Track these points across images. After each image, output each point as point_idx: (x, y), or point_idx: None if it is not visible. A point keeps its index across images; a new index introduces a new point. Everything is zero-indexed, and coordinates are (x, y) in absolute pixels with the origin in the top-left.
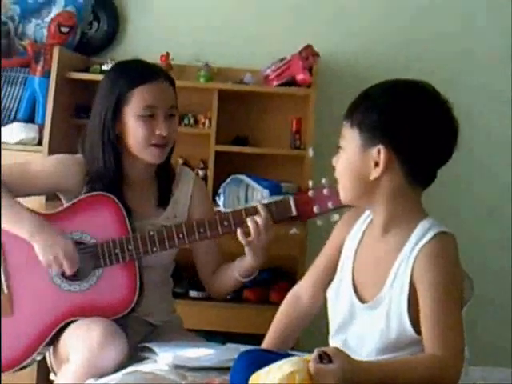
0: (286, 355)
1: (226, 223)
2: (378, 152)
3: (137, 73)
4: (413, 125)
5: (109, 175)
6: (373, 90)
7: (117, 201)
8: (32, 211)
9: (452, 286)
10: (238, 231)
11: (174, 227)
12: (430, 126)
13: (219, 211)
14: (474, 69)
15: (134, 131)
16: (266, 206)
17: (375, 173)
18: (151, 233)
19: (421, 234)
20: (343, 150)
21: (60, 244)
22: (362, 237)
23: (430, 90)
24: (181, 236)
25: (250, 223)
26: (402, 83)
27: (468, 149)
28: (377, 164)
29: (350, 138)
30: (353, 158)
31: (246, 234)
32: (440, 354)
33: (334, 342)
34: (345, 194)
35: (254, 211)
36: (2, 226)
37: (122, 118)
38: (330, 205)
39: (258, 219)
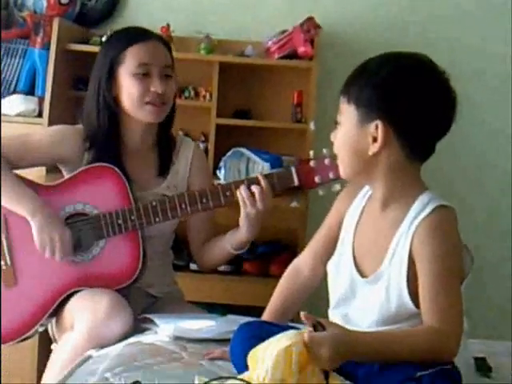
0: (287, 327)
1: (228, 193)
2: (376, 127)
3: (129, 34)
4: (410, 98)
5: (105, 138)
6: (368, 64)
7: (119, 171)
8: (35, 183)
9: (451, 259)
10: (240, 194)
11: (177, 197)
12: (426, 98)
13: (219, 183)
14: (476, 44)
15: (129, 90)
16: (268, 176)
17: (373, 148)
18: (154, 203)
19: (420, 208)
20: (341, 126)
21: (58, 229)
22: (362, 211)
23: (426, 61)
24: (183, 206)
25: (244, 193)
26: (398, 56)
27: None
28: (375, 139)
29: (347, 114)
30: (350, 133)
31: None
32: (438, 327)
33: (334, 315)
34: (344, 169)
35: (255, 181)
36: (3, 204)
37: (118, 79)
38: (331, 175)
39: (255, 189)
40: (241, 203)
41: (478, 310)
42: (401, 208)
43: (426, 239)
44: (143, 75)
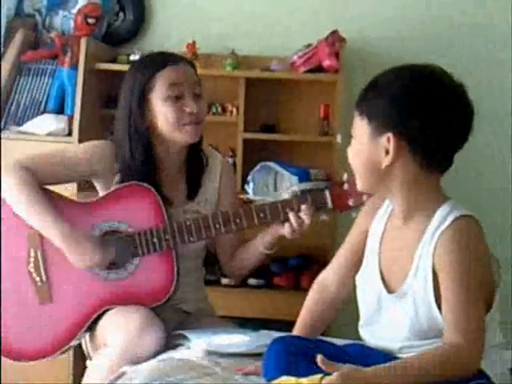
0: (318, 341)
1: (262, 215)
2: (388, 140)
3: (157, 60)
4: (421, 111)
5: (138, 168)
6: (381, 77)
7: (153, 190)
8: (70, 200)
9: (472, 272)
10: (286, 230)
11: (211, 217)
12: (439, 111)
13: (249, 200)
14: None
15: (164, 114)
16: (302, 199)
17: (386, 161)
18: (188, 223)
19: (440, 220)
20: (354, 139)
21: (87, 250)
22: (386, 225)
23: (439, 73)
24: (217, 226)
25: (294, 220)
26: (411, 69)
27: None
28: (387, 152)
29: (360, 127)
30: (364, 146)
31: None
32: (458, 343)
33: (364, 333)
34: (361, 182)
35: (290, 204)
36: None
37: (150, 106)
38: (364, 198)
39: (304, 216)
40: (287, 228)
41: None
42: (422, 220)
43: (446, 251)
44: (176, 98)
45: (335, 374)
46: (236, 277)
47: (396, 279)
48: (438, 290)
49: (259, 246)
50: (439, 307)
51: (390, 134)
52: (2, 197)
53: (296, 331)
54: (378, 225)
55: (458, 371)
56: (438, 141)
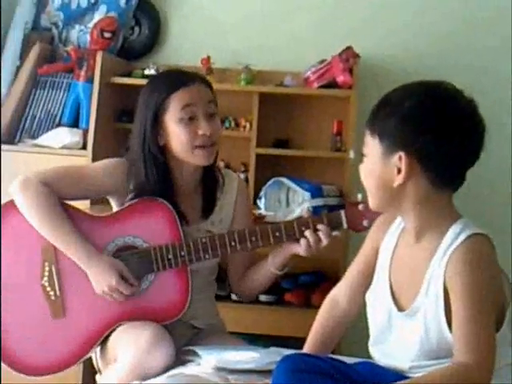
0: (328, 359)
1: (277, 233)
2: (400, 159)
3: (171, 80)
4: (433, 129)
5: (152, 187)
6: (392, 94)
7: (170, 206)
8: (86, 214)
9: (483, 291)
10: (301, 247)
11: (227, 235)
12: (451, 129)
13: (261, 215)
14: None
15: (177, 137)
16: (318, 218)
17: (398, 179)
18: (204, 240)
19: (452, 238)
20: (366, 158)
21: (109, 271)
22: (397, 242)
23: (452, 91)
24: (233, 244)
25: (311, 238)
26: (421, 86)
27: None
28: (399, 171)
29: (372, 146)
30: (375, 165)
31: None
32: (465, 362)
33: (374, 350)
34: (373, 201)
35: (305, 223)
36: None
37: (164, 128)
38: None
39: (322, 236)
40: (303, 245)
41: None
42: (434, 238)
43: (458, 270)
44: (189, 119)
45: None
46: (246, 297)
47: (406, 297)
48: (448, 309)
49: (270, 266)
50: (449, 326)
51: (401, 153)
52: (18, 208)
53: (307, 348)
54: (390, 240)
55: None
56: (450, 159)
